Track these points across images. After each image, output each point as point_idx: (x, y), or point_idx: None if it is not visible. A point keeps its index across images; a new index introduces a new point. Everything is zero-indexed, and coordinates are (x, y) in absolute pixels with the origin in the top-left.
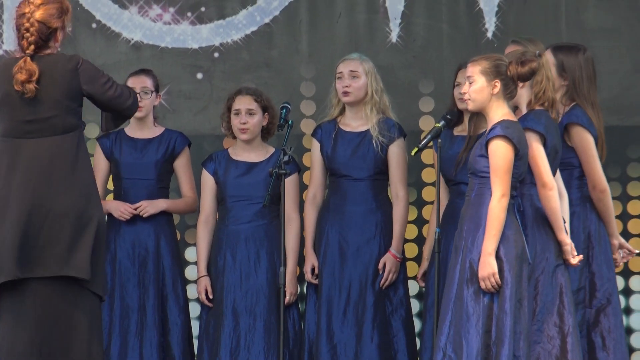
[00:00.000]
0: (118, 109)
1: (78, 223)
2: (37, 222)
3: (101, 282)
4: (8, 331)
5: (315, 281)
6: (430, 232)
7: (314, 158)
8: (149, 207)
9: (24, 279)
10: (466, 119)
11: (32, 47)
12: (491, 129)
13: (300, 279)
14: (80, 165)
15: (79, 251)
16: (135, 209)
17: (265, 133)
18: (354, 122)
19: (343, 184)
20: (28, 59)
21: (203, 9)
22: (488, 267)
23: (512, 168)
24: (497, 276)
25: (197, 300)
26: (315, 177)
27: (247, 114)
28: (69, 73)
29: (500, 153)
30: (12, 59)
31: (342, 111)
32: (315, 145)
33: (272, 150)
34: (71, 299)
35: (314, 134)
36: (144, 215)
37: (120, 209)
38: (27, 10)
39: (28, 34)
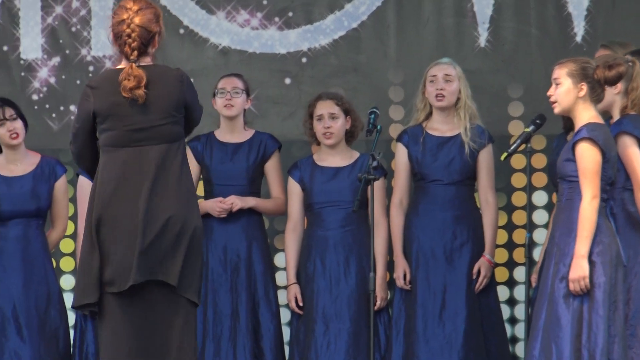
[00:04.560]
0: (191, 129)
1: (179, 231)
2: (146, 230)
3: (195, 288)
4: (110, 336)
5: (408, 287)
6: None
7: (400, 163)
8: (238, 201)
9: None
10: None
11: (136, 52)
12: (577, 132)
13: (391, 283)
14: (185, 174)
15: (173, 257)
16: (226, 204)
17: (349, 137)
18: (442, 127)
19: (433, 188)
20: (134, 65)
21: (291, 14)
22: (579, 270)
23: (600, 170)
24: (587, 280)
25: (288, 306)
26: (401, 181)
27: (329, 118)
28: (175, 83)
29: (587, 155)
30: (114, 70)
31: (428, 116)
32: (402, 150)
33: (356, 154)
34: (167, 304)
35: (399, 139)
36: (234, 210)
37: (217, 209)
38: (125, 16)
39: (130, 40)
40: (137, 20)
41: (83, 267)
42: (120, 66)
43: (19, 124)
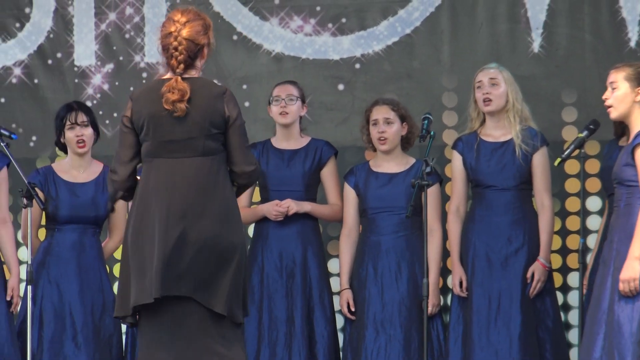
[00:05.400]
0: (239, 156)
1: (217, 249)
2: (175, 243)
3: (240, 309)
4: (144, 350)
5: (465, 294)
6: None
7: (456, 170)
8: (294, 204)
9: (163, 299)
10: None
11: (182, 66)
12: (635, 136)
13: (442, 290)
14: (220, 190)
15: (218, 284)
16: (282, 207)
17: (405, 143)
18: (495, 132)
19: (488, 194)
20: (179, 78)
21: (344, 20)
22: (631, 271)
23: None
24: (637, 282)
25: (340, 311)
26: (458, 189)
27: (384, 124)
28: (215, 98)
29: None
30: (158, 81)
31: (482, 123)
32: (457, 158)
33: (412, 160)
34: (209, 323)
35: (454, 146)
36: (289, 213)
37: (273, 212)
38: (172, 29)
39: (177, 53)
40: (184, 33)
41: (121, 278)
42: (166, 77)
43: (88, 132)
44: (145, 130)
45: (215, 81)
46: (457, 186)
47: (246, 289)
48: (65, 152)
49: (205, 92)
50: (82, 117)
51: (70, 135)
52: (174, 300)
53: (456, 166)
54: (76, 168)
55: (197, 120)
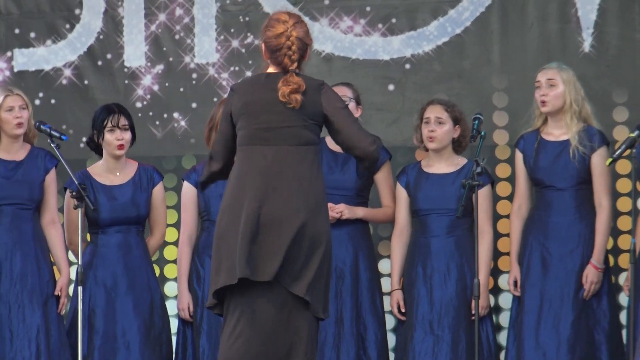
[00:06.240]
0: (351, 139)
1: (307, 237)
2: (265, 229)
3: (321, 302)
4: (239, 333)
5: (517, 293)
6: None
7: (518, 169)
8: (347, 211)
9: (252, 285)
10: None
11: (295, 64)
12: None
13: (493, 290)
14: (314, 179)
15: (305, 270)
16: (335, 211)
17: (457, 146)
18: (556, 131)
19: (547, 194)
20: (294, 74)
21: (394, 20)
22: None
23: None
24: None
25: (391, 312)
26: (520, 188)
27: (436, 123)
28: (316, 91)
29: None
30: (259, 74)
31: (545, 121)
32: (519, 156)
33: (463, 161)
34: (297, 309)
35: (516, 145)
36: (342, 218)
37: None
38: (282, 29)
39: (290, 52)
40: (295, 33)
41: (212, 268)
42: (270, 71)
43: (128, 136)
44: (242, 119)
45: None
46: (520, 185)
47: (328, 286)
48: (97, 152)
49: (308, 86)
50: (123, 121)
51: (110, 137)
52: (258, 286)
53: (518, 164)
54: (112, 171)
55: (301, 111)
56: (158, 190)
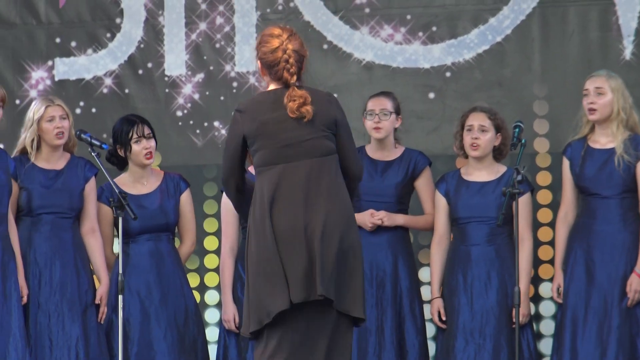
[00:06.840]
0: (349, 159)
1: (342, 249)
2: (312, 245)
3: (360, 307)
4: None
5: (560, 301)
6: None
7: (565, 176)
8: (387, 218)
9: (295, 305)
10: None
11: (295, 77)
12: None
13: (534, 298)
14: (342, 190)
15: (351, 286)
16: (376, 218)
17: (498, 154)
18: (602, 139)
19: (592, 202)
20: (296, 87)
21: (434, 28)
22: None
23: None
24: None
25: (431, 320)
26: (567, 195)
27: (479, 130)
28: (326, 101)
29: None
30: (263, 92)
31: (593, 128)
32: (565, 164)
33: (503, 169)
34: (335, 324)
35: (564, 152)
36: (382, 225)
37: (368, 223)
38: (277, 44)
39: (288, 65)
40: (290, 45)
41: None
42: (271, 88)
43: (153, 143)
44: (259, 140)
45: None
46: (566, 192)
47: (364, 293)
48: (119, 167)
49: (315, 97)
50: (147, 130)
51: (137, 148)
52: (305, 305)
53: (565, 172)
54: (138, 180)
55: (316, 122)
56: (185, 198)
